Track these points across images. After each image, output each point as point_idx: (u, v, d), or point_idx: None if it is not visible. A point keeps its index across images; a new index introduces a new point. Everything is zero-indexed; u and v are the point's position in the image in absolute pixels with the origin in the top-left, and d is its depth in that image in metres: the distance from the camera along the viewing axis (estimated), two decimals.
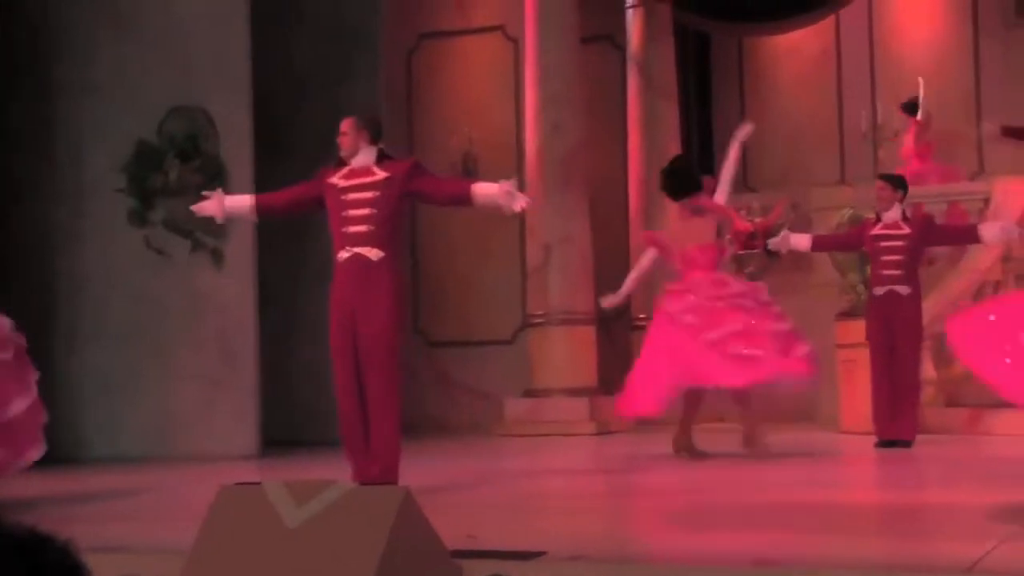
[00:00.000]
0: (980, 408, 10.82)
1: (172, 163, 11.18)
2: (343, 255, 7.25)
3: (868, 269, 11.70)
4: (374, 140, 7.42)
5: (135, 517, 6.97)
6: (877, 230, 10.05)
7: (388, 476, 6.97)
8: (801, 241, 10.45)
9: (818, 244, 10.68)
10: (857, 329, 10.49)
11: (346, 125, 7.46)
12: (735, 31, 15.78)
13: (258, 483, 4.29)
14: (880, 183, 10.35)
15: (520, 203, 7.27)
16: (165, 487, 8.51)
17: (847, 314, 11.29)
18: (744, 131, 10.50)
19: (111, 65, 11.27)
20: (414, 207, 14.24)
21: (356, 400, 7.20)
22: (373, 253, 7.18)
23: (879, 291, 10.01)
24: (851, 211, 11.85)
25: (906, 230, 9.95)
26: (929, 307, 10.67)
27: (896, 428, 9.76)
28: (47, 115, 11.42)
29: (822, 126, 15.68)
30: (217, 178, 10.60)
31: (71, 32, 11.46)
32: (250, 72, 11.08)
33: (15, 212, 11.13)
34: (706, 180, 10.33)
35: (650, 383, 9.44)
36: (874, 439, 9.84)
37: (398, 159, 7.66)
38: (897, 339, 9.88)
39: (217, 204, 7.64)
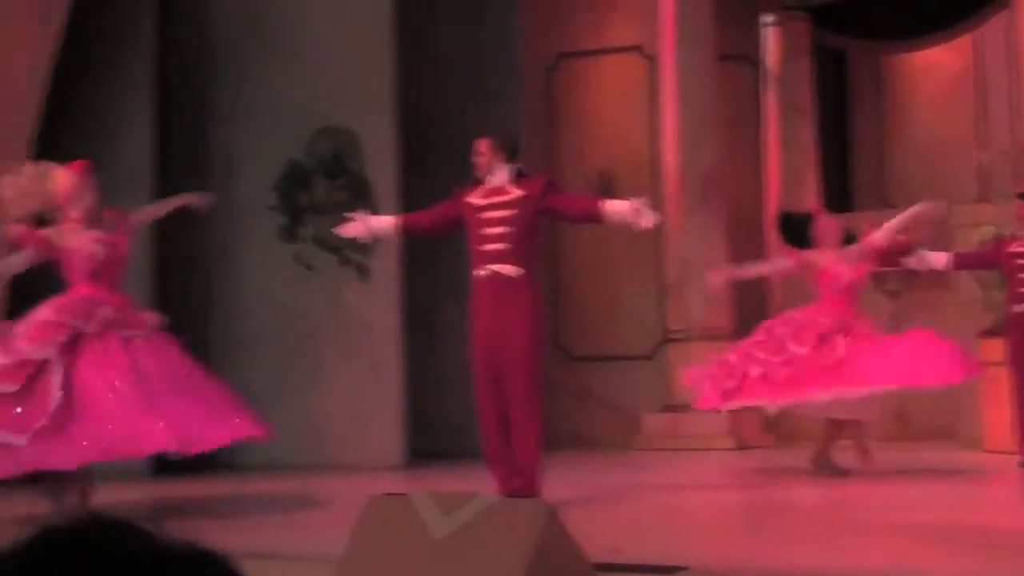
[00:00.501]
0: None
1: (320, 181, 11.33)
2: (481, 273, 7.26)
3: None
4: (510, 159, 7.43)
5: (287, 525, 7.05)
6: (1015, 247, 9.80)
7: (530, 489, 6.96)
8: (939, 260, 10.22)
9: (957, 263, 10.40)
10: (1001, 347, 10.24)
11: (483, 145, 7.49)
12: (872, 48, 15.55)
13: (405, 494, 4.30)
14: (1019, 202, 10.10)
15: (649, 220, 7.24)
16: (315, 496, 8.60)
17: (991, 332, 11.01)
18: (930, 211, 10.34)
19: (262, 89, 11.48)
20: (551, 224, 14.25)
21: (498, 414, 7.20)
22: (511, 270, 7.19)
23: (1017, 309, 9.75)
24: (993, 228, 11.57)
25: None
26: None
27: None
28: (203, 138, 11.67)
29: (961, 143, 15.37)
30: (362, 195, 10.72)
31: (225, 59, 11.70)
32: (395, 93, 11.19)
33: (174, 230, 11.36)
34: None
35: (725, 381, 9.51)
36: (1018, 459, 9.58)
37: (533, 177, 7.66)
38: None
39: (363, 225, 7.73)
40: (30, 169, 7.72)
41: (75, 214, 7.51)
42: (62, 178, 7.57)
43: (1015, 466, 9.49)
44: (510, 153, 7.47)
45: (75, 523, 1.01)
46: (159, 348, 7.35)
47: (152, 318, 7.60)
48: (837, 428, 9.59)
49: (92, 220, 7.55)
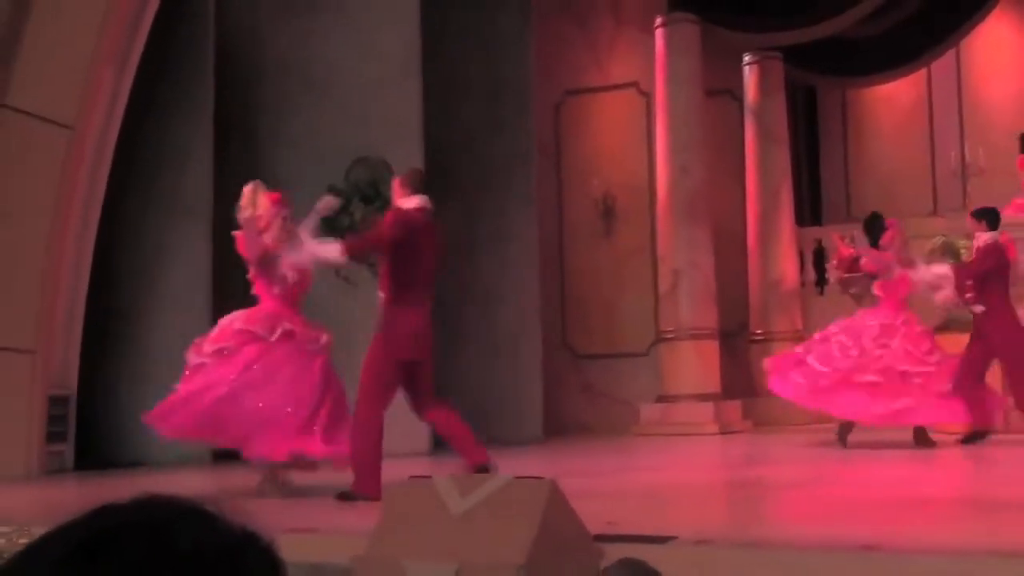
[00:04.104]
0: None
1: (357, 205, 11.31)
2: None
3: None
4: (413, 193, 7.17)
5: (329, 504, 7.02)
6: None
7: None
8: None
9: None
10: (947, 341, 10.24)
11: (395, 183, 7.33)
12: (838, 83, 15.51)
13: (429, 476, 4.29)
14: (969, 219, 10.25)
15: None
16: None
17: (941, 328, 10.96)
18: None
19: (306, 123, 11.48)
20: (561, 235, 14.25)
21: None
22: (380, 295, 7.10)
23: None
24: (943, 239, 11.52)
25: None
26: None
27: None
28: (253, 166, 11.65)
29: (916, 164, 15.32)
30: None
31: (273, 98, 11.71)
32: (422, 127, 11.19)
33: (231, 248, 11.36)
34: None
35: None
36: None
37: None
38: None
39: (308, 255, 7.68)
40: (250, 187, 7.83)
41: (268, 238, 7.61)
42: (264, 202, 7.73)
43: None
44: (414, 188, 7.19)
45: (131, 503, 0.97)
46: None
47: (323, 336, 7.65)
48: None
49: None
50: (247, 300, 11.42)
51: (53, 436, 10.03)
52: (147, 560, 0.91)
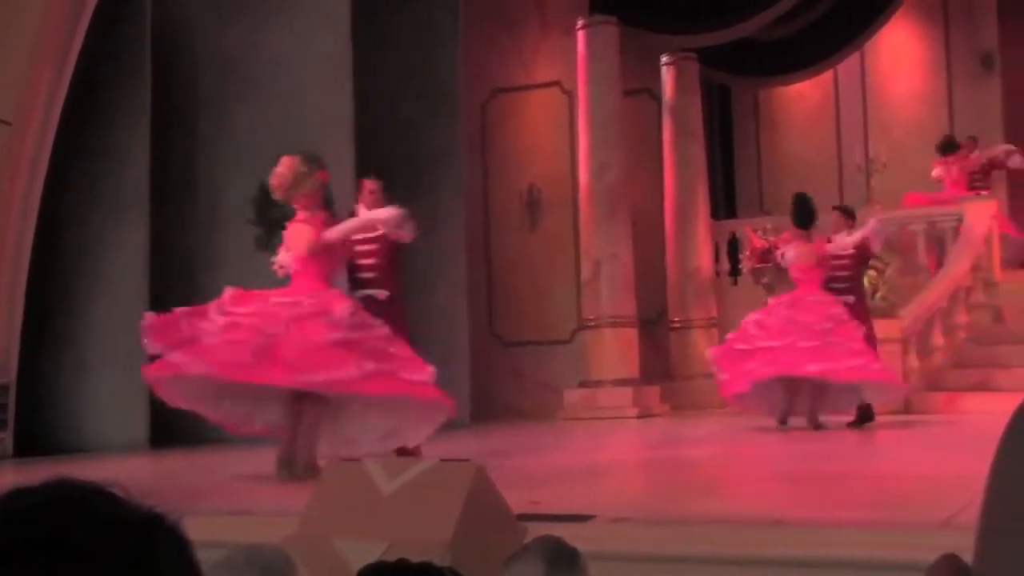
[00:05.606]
0: (956, 392, 10.70)
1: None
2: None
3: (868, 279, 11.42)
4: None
5: (261, 487, 6.98)
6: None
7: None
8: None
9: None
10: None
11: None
12: (751, 83, 15.68)
13: (359, 459, 4.29)
14: (835, 212, 10.42)
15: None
16: None
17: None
18: None
19: (242, 119, 11.38)
20: (487, 226, 14.26)
21: None
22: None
23: None
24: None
25: (851, 251, 9.92)
26: (911, 310, 10.54)
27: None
28: (190, 160, 11.55)
29: (824, 160, 15.56)
30: (327, 209, 10.65)
31: (209, 95, 11.59)
32: (353, 123, 11.13)
33: (167, 241, 11.24)
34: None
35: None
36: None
37: None
38: None
39: None
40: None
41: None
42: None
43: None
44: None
45: (42, 485, 0.96)
46: None
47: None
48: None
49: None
50: (183, 290, 11.33)
51: None
52: (64, 534, 0.91)
